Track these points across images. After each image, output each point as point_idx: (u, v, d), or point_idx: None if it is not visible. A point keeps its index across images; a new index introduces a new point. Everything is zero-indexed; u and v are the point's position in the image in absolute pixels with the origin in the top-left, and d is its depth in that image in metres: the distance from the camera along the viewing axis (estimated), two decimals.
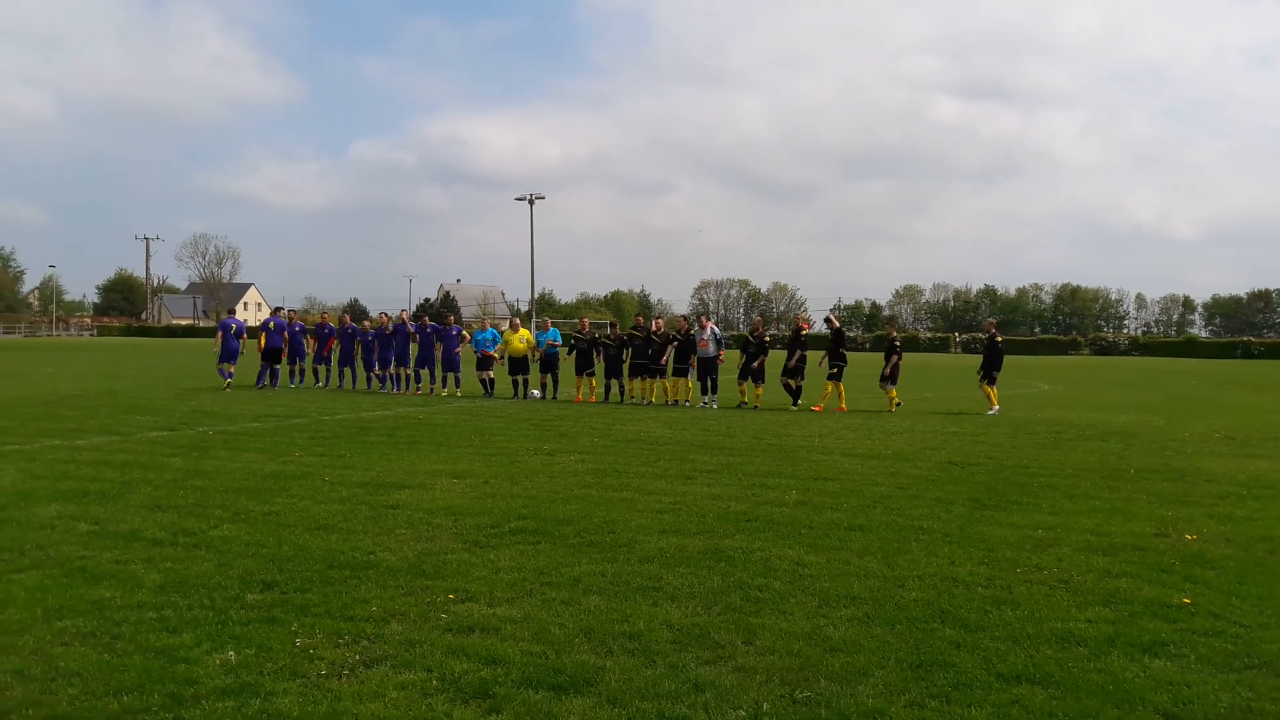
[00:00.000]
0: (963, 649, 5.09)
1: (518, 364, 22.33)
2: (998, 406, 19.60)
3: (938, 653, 5.02)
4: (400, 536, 7.41)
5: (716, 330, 21.13)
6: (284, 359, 24.41)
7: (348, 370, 24.15)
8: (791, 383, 20.40)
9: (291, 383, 24.20)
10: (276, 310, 25.80)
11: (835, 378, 19.80)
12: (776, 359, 21.11)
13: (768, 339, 21.47)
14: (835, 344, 20.18)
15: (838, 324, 21.01)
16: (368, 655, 4.86)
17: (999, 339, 20.61)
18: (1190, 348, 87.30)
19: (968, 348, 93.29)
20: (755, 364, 20.47)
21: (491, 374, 22.76)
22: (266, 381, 23.93)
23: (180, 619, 5.33)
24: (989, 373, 19.87)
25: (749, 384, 20.62)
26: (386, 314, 24.32)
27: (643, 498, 9.24)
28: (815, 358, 20.41)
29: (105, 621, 5.28)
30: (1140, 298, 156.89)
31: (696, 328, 21.11)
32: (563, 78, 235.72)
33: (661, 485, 10.01)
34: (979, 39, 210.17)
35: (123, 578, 6.14)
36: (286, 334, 24.44)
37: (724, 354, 21.34)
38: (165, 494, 9.02)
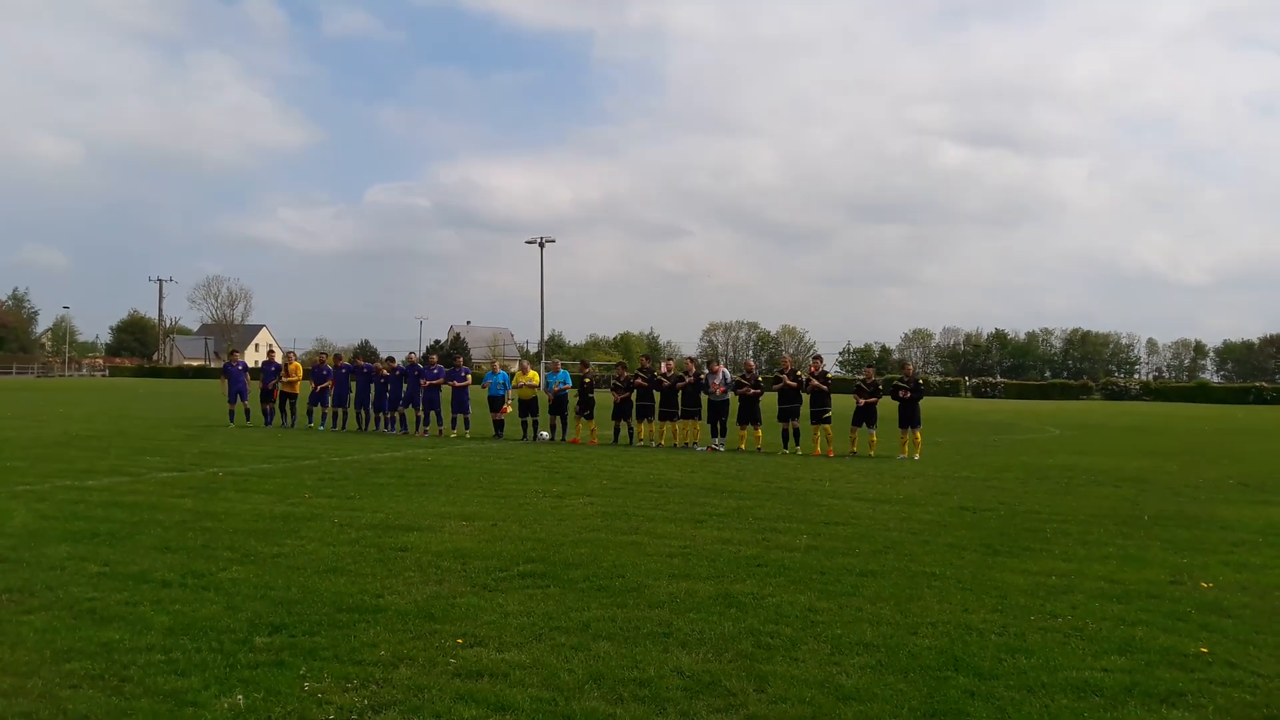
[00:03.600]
0: (977, 698, 5.03)
1: (527, 405, 22.42)
2: (918, 455, 19.08)
3: (952, 702, 4.96)
4: (409, 579, 7.39)
5: (727, 374, 21.15)
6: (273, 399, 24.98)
7: (362, 412, 24.20)
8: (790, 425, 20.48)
9: (321, 425, 24.20)
10: (271, 353, 26.34)
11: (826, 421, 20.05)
12: (769, 401, 21.08)
13: (761, 380, 21.44)
14: (825, 391, 20.38)
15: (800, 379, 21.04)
16: (376, 700, 4.83)
17: (922, 381, 20.46)
18: (1202, 393, 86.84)
19: (978, 392, 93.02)
20: (747, 407, 20.51)
21: (502, 416, 22.81)
22: (275, 421, 24.57)
23: (189, 662, 5.31)
24: (916, 418, 19.47)
25: (749, 429, 20.63)
26: (394, 358, 24.49)
27: (652, 541, 9.20)
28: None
29: (114, 664, 5.26)
30: (1152, 342, 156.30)
31: (707, 371, 21.17)
32: (576, 125, 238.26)
33: (671, 529, 9.97)
34: (984, 88, 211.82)
35: (131, 620, 6.12)
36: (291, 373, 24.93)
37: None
38: (174, 535, 9.02)
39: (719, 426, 20.71)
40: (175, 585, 7.05)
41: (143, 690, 4.88)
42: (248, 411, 24.65)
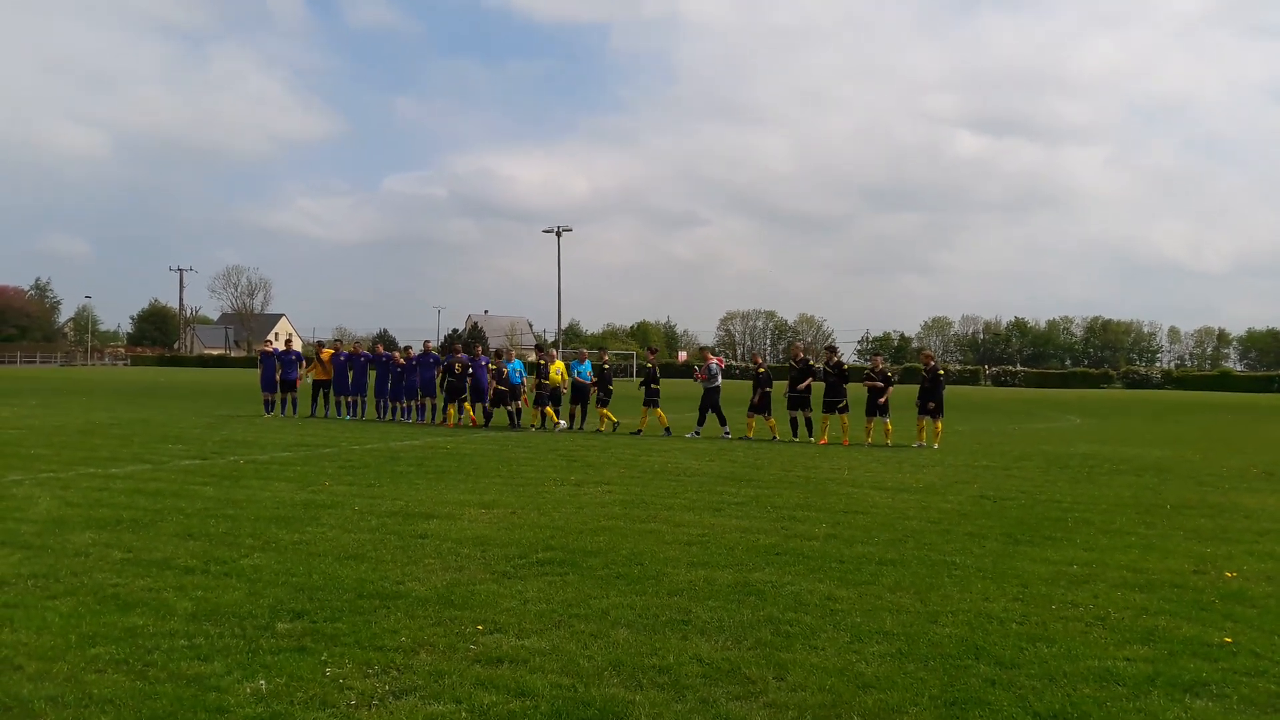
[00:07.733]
0: (998, 686, 5.00)
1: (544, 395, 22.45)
2: (937, 445, 18.89)
3: (972, 690, 4.94)
4: (429, 566, 7.42)
5: (714, 366, 21.28)
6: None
7: (381, 400, 24.25)
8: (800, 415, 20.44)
9: (346, 415, 24.16)
10: (289, 342, 26.39)
11: (844, 410, 19.86)
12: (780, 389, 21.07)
13: (763, 370, 21.33)
14: (838, 380, 20.20)
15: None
16: (397, 686, 4.86)
17: (941, 371, 20.24)
18: (1225, 381, 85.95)
19: (998, 380, 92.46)
20: (756, 397, 20.52)
21: (518, 405, 22.77)
22: (289, 411, 24.67)
23: (211, 647, 5.36)
24: (926, 404, 19.18)
25: (758, 418, 20.63)
26: (411, 347, 24.54)
27: (670, 529, 9.20)
28: (818, 389, 20.43)
29: (138, 649, 5.31)
30: (1174, 331, 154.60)
31: (702, 362, 21.36)
32: (591, 115, 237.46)
33: (689, 517, 9.96)
34: (997, 77, 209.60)
35: (155, 605, 6.18)
36: (300, 364, 25.12)
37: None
38: (197, 522, 9.09)
39: (718, 415, 20.80)
40: (198, 572, 7.12)
41: (166, 675, 4.93)
42: (282, 403, 24.82)
